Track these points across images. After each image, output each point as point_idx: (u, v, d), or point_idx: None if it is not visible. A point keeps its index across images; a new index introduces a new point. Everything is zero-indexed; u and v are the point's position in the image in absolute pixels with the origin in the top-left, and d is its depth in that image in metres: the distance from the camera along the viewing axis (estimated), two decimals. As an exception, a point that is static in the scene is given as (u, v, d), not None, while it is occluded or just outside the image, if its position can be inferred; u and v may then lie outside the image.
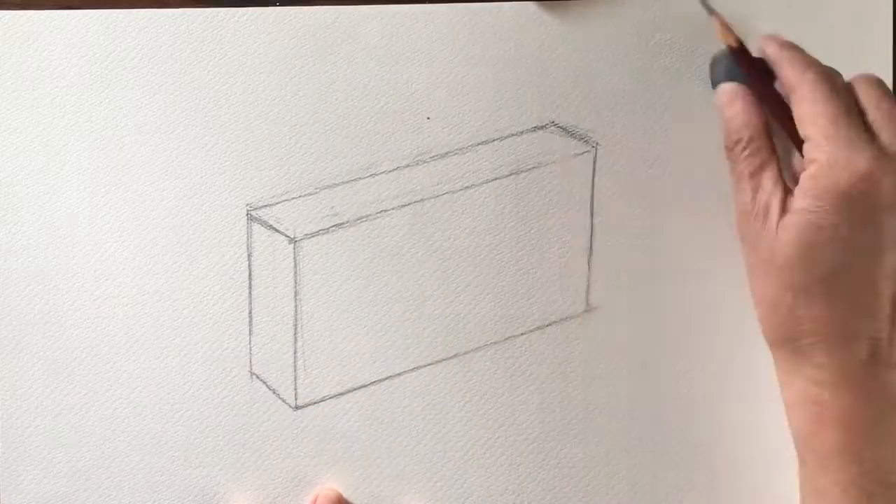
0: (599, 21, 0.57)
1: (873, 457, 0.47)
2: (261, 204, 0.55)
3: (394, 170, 0.56)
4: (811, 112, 0.49)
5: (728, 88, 0.53)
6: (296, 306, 0.55)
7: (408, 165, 0.56)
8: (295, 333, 0.55)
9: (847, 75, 0.56)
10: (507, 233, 0.56)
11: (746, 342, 0.57)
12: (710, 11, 0.55)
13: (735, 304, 0.57)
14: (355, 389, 0.56)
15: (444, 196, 0.56)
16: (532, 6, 0.56)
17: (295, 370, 0.55)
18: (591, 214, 0.57)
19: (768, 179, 0.50)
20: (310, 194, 0.55)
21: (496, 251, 0.56)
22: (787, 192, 0.50)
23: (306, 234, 0.55)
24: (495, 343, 0.56)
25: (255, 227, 0.55)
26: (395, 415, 0.56)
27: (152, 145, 0.55)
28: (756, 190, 0.50)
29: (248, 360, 0.56)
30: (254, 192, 0.55)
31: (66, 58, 0.55)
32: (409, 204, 0.55)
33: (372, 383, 0.56)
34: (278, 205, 0.55)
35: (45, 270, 0.55)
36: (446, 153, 0.56)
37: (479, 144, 0.56)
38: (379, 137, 0.56)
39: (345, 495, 0.56)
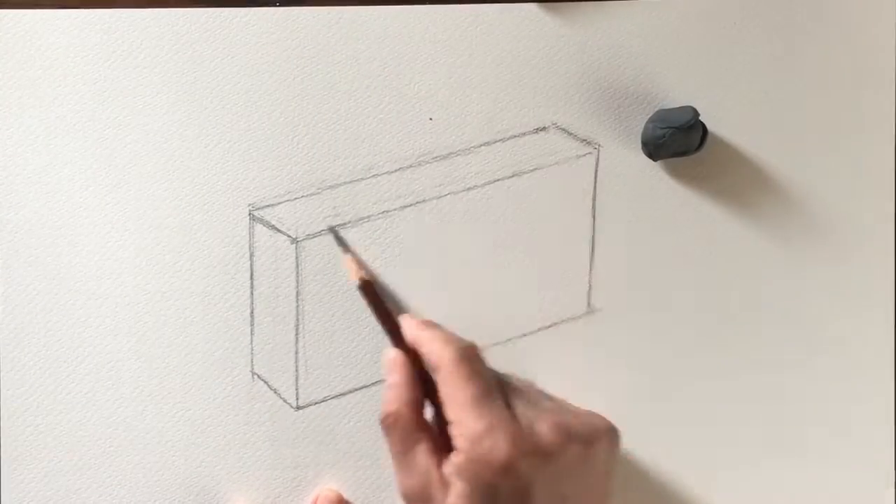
0: (601, 23, 0.57)
1: None
2: (263, 204, 0.55)
3: (395, 170, 0.56)
4: (452, 395, 0.47)
5: (389, 357, 0.51)
6: (297, 306, 0.55)
7: (409, 166, 0.56)
8: (296, 333, 0.55)
9: (849, 80, 0.56)
10: (509, 234, 0.56)
11: (747, 343, 0.58)
12: (345, 250, 0.54)
13: (736, 305, 0.58)
14: (356, 390, 0.56)
15: (446, 197, 0.56)
16: (534, 8, 0.56)
17: (296, 370, 0.56)
18: (593, 216, 0.57)
19: (421, 458, 0.48)
20: (312, 195, 0.55)
21: (498, 252, 0.56)
22: (442, 463, 0.47)
23: (308, 235, 0.55)
24: (497, 344, 0.56)
25: (257, 227, 0.55)
26: (397, 415, 0.56)
27: (154, 145, 0.55)
28: (411, 472, 0.48)
29: (250, 360, 0.56)
30: (256, 192, 0.55)
31: (66, 58, 0.55)
32: (410, 205, 0.55)
33: (373, 384, 0.56)
34: (280, 205, 0.55)
35: (48, 270, 0.55)
36: (448, 154, 0.56)
37: (480, 145, 0.56)
38: (381, 138, 0.56)
39: (345, 496, 0.56)
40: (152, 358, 0.55)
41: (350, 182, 0.56)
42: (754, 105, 0.57)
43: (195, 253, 0.55)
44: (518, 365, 0.56)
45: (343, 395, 0.56)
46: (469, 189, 0.56)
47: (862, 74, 0.58)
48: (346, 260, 0.54)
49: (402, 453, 0.48)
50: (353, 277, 0.54)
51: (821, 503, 0.58)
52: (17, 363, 0.55)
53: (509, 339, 0.57)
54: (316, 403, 0.56)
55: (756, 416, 0.58)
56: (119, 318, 0.55)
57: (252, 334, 0.56)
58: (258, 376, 0.56)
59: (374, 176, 0.56)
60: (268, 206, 0.55)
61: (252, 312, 0.55)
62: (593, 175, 0.57)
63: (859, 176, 0.58)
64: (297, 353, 0.55)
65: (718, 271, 0.57)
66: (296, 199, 0.55)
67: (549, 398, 0.50)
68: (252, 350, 0.56)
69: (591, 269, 0.57)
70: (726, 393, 0.58)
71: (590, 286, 0.57)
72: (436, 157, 0.56)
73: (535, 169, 0.56)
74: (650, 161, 0.56)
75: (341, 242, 0.55)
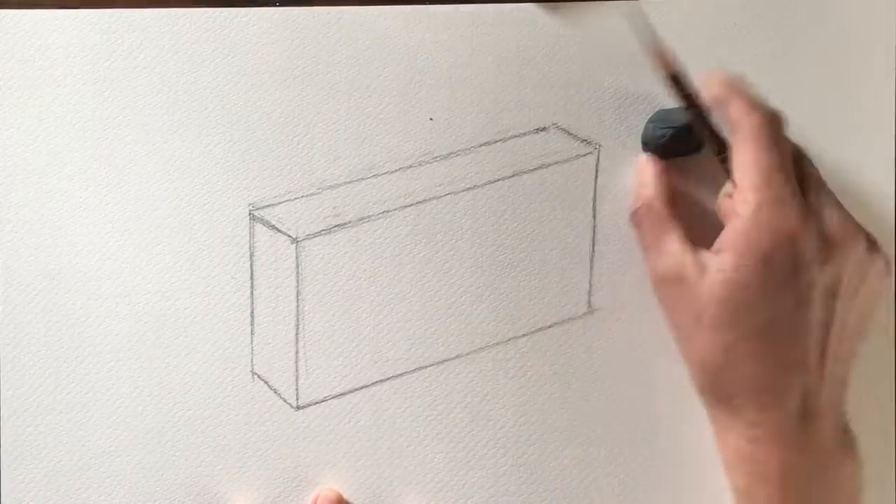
0: (601, 22, 0.57)
1: None
2: (263, 204, 0.55)
3: (396, 170, 0.56)
4: (746, 160, 0.48)
5: (642, 158, 0.54)
6: (297, 306, 0.55)
7: (410, 166, 0.56)
8: (297, 333, 0.55)
9: (853, 80, 0.56)
10: (509, 234, 0.56)
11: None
12: (650, 42, 0.53)
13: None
14: (357, 390, 0.56)
15: (447, 197, 0.56)
16: (534, 8, 0.56)
17: (296, 370, 0.56)
18: (594, 216, 0.57)
19: (673, 244, 0.50)
20: (312, 194, 0.55)
21: (498, 252, 0.56)
22: (696, 251, 0.49)
23: (308, 235, 0.55)
24: (497, 344, 0.56)
25: (258, 226, 0.55)
26: (397, 415, 0.56)
27: (154, 145, 0.55)
28: (663, 256, 0.50)
29: (250, 360, 0.56)
30: (256, 192, 0.55)
31: (66, 58, 0.55)
32: (411, 205, 0.55)
33: (373, 384, 0.56)
34: (280, 205, 0.55)
35: (47, 270, 0.55)
36: (448, 154, 0.56)
37: (481, 146, 0.56)
38: (381, 138, 0.56)
39: (345, 496, 0.56)
40: (152, 358, 0.55)
41: (350, 182, 0.56)
42: (754, 105, 0.57)
43: (195, 253, 0.55)
44: (518, 365, 0.56)
45: (343, 394, 0.56)
46: (469, 189, 0.56)
47: (862, 74, 0.58)
48: (653, 51, 0.53)
49: (655, 240, 0.51)
50: (664, 71, 0.52)
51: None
52: (17, 363, 0.55)
53: (509, 339, 0.57)
54: (316, 403, 0.56)
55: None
56: (119, 318, 0.55)
57: (252, 334, 0.56)
58: (258, 376, 0.56)
59: (374, 176, 0.56)
60: (268, 205, 0.55)
61: (252, 312, 0.55)
62: (593, 175, 0.57)
63: (859, 176, 0.58)
64: (297, 352, 0.55)
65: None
66: (296, 198, 0.55)
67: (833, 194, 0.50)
68: (252, 350, 0.56)
69: (591, 269, 0.57)
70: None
71: (590, 286, 0.57)
72: (436, 157, 0.56)
73: (536, 169, 0.56)
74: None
75: (643, 34, 0.53)
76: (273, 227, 0.55)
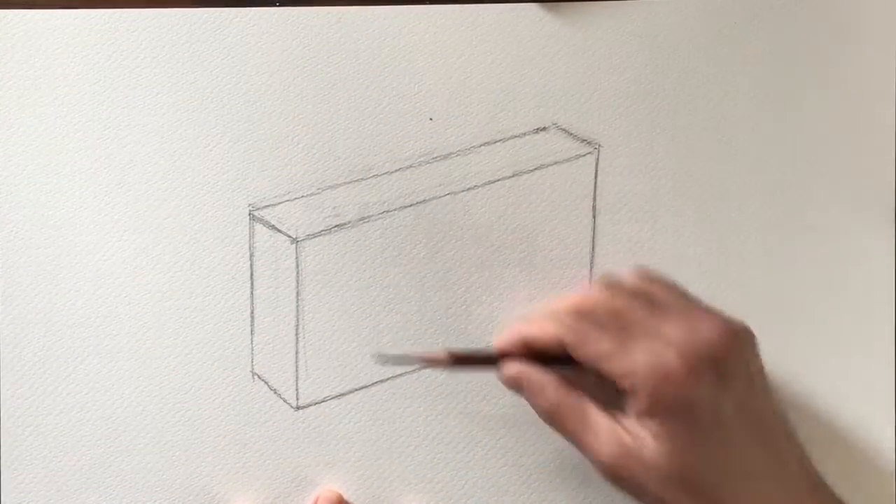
0: (601, 22, 0.57)
1: None
2: (263, 204, 0.55)
3: (396, 170, 0.56)
4: (595, 352, 0.48)
5: (510, 374, 0.51)
6: (297, 306, 0.55)
7: (410, 166, 0.56)
8: (296, 334, 0.55)
9: (853, 81, 0.56)
10: (509, 234, 0.56)
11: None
12: (410, 360, 0.54)
13: (737, 305, 0.57)
14: (357, 390, 0.56)
15: (446, 197, 0.56)
16: (534, 7, 0.56)
17: (296, 370, 0.56)
18: (593, 216, 0.57)
19: (598, 419, 0.48)
20: (312, 195, 0.55)
21: (498, 252, 0.56)
22: (616, 418, 0.48)
23: (308, 235, 0.55)
24: (497, 344, 0.56)
25: (258, 227, 0.55)
26: (396, 416, 0.56)
27: (154, 145, 0.55)
28: (600, 437, 0.48)
29: (250, 360, 0.56)
30: (256, 192, 0.55)
31: (67, 58, 0.55)
32: (411, 205, 0.55)
33: (373, 384, 0.56)
34: (280, 205, 0.55)
35: (48, 270, 0.55)
36: (448, 154, 0.56)
37: (481, 145, 0.56)
38: (381, 138, 0.56)
39: (345, 496, 0.56)
40: (152, 358, 0.55)
41: (350, 182, 0.56)
42: (754, 105, 0.57)
43: (195, 253, 0.55)
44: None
45: (343, 395, 0.56)
46: (469, 189, 0.56)
47: (862, 74, 0.58)
48: (423, 357, 0.53)
49: (583, 430, 0.48)
50: (443, 360, 0.52)
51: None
52: (17, 363, 0.55)
53: (509, 340, 0.57)
54: (316, 403, 0.56)
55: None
56: (119, 318, 0.55)
57: (252, 334, 0.56)
58: (258, 376, 0.56)
59: (374, 176, 0.56)
60: (268, 206, 0.55)
61: (252, 312, 0.55)
62: (593, 175, 0.57)
63: (859, 175, 0.58)
64: (297, 353, 0.55)
65: (718, 271, 0.57)
66: (296, 199, 0.55)
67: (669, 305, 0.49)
68: (252, 350, 0.56)
69: (591, 270, 0.57)
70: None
71: (590, 286, 0.57)
72: (436, 158, 0.56)
73: (536, 169, 0.56)
74: (650, 161, 0.56)
75: (402, 358, 0.54)
76: (273, 228, 0.55)
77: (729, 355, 0.47)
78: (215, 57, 0.55)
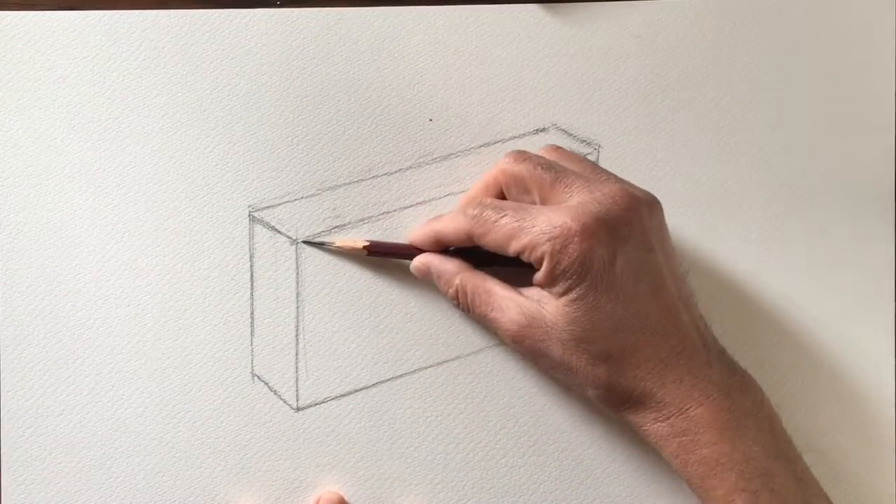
0: (601, 22, 0.57)
1: (740, 453, 0.48)
2: (263, 205, 0.55)
3: (395, 171, 0.56)
4: (502, 236, 0.50)
5: (416, 264, 0.54)
6: (297, 307, 0.55)
7: (409, 167, 0.56)
8: (296, 335, 0.55)
9: (853, 80, 0.56)
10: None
11: (747, 343, 0.58)
12: (331, 246, 0.55)
13: (738, 305, 0.57)
14: (357, 391, 0.56)
15: (446, 198, 0.56)
16: (534, 7, 0.56)
17: (296, 371, 0.56)
18: (593, 216, 0.57)
19: (504, 298, 0.51)
20: (312, 196, 0.55)
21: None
22: (519, 291, 0.51)
23: (308, 236, 0.55)
24: (497, 345, 0.56)
25: (257, 228, 0.55)
26: (397, 417, 0.56)
27: (154, 146, 0.55)
28: (504, 312, 0.51)
29: (250, 361, 0.56)
30: (256, 193, 0.55)
31: (67, 59, 0.55)
32: (410, 206, 0.55)
33: (373, 385, 0.56)
34: (280, 206, 0.55)
35: (48, 271, 0.55)
36: (448, 155, 0.56)
37: (481, 146, 0.56)
38: (381, 139, 0.56)
39: (346, 497, 0.56)
40: (152, 359, 0.55)
41: (350, 183, 0.56)
42: (754, 105, 0.57)
43: (195, 254, 0.55)
44: (518, 366, 0.56)
45: (343, 396, 0.56)
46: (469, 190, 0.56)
47: (862, 74, 0.58)
48: (340, 245, 0.55)
49: (490, 306, 0.51)
50: (359, 248, 0.54)
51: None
52: (17, 364, 0.55)
53: (509, 340, 0.57)
54: (316, 405, 0.56)
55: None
56: (119, 319, 0.55)
57: (252, 335, 0.56)
58: (258, 377, 0.56)
59: (374, 177, 0.56)
60: (268, 207, 0.55)
61: (252, 313, 0.55)
62: (593, 176, 0.57)
63: (859, 175, 0.58)
64: (297, 354, 0.55)
65: (718, 271, 0.57)
66: (296, 200, 0.55)
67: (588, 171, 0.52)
68: (252, 351, 0.56)
69: (591, 270, 0.57)
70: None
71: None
72: (436, 158, 0.56)
73: (536, 170, 0.56)
74: (650, 161, 0.56)
75: (322, 245, 0.55)
76: (273, 229, 0.55)
77: (624, 216, 0.49)
78: (215, 58, 0.55)
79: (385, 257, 0.55)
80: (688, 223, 0.57)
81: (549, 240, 0.48)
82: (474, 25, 0.56)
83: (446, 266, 0.53)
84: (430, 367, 0.56)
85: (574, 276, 0.48)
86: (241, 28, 0.55)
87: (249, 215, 0.55)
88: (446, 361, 0.56)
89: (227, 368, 0.56)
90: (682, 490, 0.57)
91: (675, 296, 0.50)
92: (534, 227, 0.49)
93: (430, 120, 0.56)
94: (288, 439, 0.56)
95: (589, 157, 0.57)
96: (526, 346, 0.50)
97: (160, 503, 0.56)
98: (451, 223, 0.52)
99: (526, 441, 0.56)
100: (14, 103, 0.55)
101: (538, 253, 0.48)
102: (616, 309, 0.48)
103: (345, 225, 0.55)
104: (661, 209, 0.51)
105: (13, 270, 0.55)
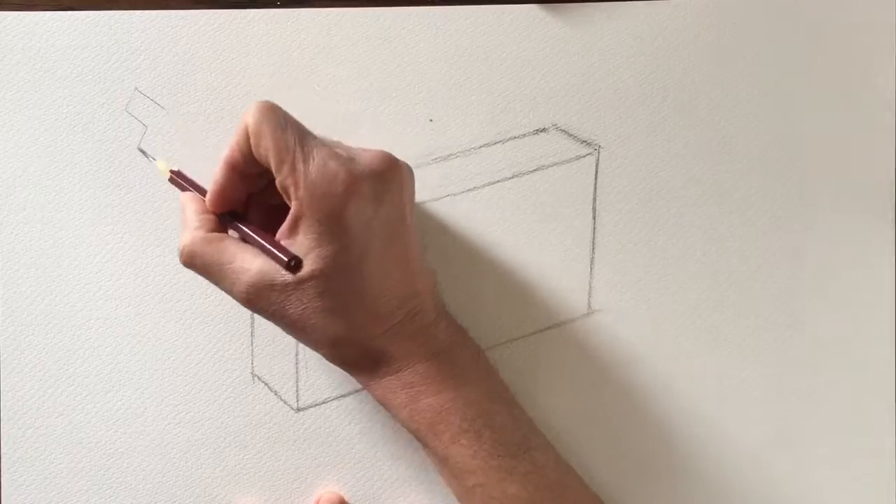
0: (602, 24, 0.57)
1: (463, 399, 0.50)
2: (263, 206, 0.55)
3: (395, 172, 0.56)
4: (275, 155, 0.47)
5: (181, 199, 0.51)
6: (297, 308, 0.55)
7: (410, 167, 0.56)
8: (296, 335, 0.55)
9: (849, 80, 0.56)
10: (509, 235, 0.56)
11: (747, 343, 0.58)
12: (152, 159, 0.54)
13: (738, 305, 0.58)
14: (357, 391, 0.56)
15: (446, 198, 0.56)
16: (534, 8, 0.56)
17: (297, 372, 0.56)
18: (593, 216, 0.57)
19: (235, 249, 0.48)
20: (312, 196, 0.55)
21: (498, 253, 0.56)
22: (256, 253, 0.48)
23: (308, 236, 0.55)
24: (497, 346, 0.56)
25: (257, 228, 0.55)
26: (397, 417, 0.56)
27: (154, 146, 0.55)
28: (240, 274, 0.48)
29: (250, 362, 0.56)
30: (255, 193, 0.55)
31: (67, 59, 0.55)
32: (411, 206, 0.55)
33: (374, 385, 0.56)
34: (280, 206, 0.55)
35: (48, 271, 0.55)
36: (448, 155, 0.56)
37: (481, 147, 0.56)
38: (381, 139, 0.56)
39: (346, 497, 0.56)
40: (152, 359, 0.55)
41: (350, 183, 0.56)
42: (754, 105, 0.57)
43: (195, 254, 0.55)
44: (518, 366, 0.56)
45: (343, 396, 0.56)
46: (469, 190, 0.56)
47: (862, 74, 0.58)
48: (159, 165, 0.53)
49: (220, 266, 0.48)
50: (164, 173, 0.52)
51: (822, 502, 0.58)
52: (18, 364, 0.55)
53: (509, 341, 0.57)
54: (316, 405, 0.56)
55: (756, 416, 0.58)
56: (119, 320, 0.55)
57: (252, 336, 0.56)
58: (258, 378, 0.56)
59: (374, 177, 0.56)
60: (268, 207, 0.55)
61: (252, 314, 0.55)
62: (593, 176, 0.57)
63: (859, 175, 0.58)
64: (297, 354, 0.55)
65: (718, 271, 0.57)
66: (296, 200, 0.55)
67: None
68: (252, 352, 0.56)
69: (591, 270, 0.57)
70: (726, 393, 0.58)
71: (590, 287, 0.57)
72: (436, 159, 0.56)
73: (536, 170, 0.56)
74: (650, 161, 0.56)
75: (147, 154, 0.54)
76: (273, 229, 0.55)
77: (388, 176, 0.48)
78: (215, 58, 0.55)
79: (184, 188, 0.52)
80: (688, 223, 0.57)
81: (311, 182, 0.46)
82: (474, 25, 0.56)
83: (192, 219, 0.50)
84: (431, 367, 0.56)
85: (323, 228, 0.47)
86: (241, 28, 0.55)
87: (249, 216, 0.55)
88: (446, 362, 0.56)
89: (227, 368, 0.56)
90: (685, 489, 0.57)
91: (418, 263, 0.50)
92: (305, 163, 0.47)
93: (431, 120, 0.56)
94: (288, 439, 0.56)
95: (589, 158, 0.57)
96: (259, 307, 0.48)
97: (160, 503, 0.56)
98: (236, 139, 0.48)
99: (526, 441, 0.56)
100: (14, 102, 0.55)
101: (297, 192, 0.46)
102: (365, 269, 0.48)
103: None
104: (414, 178, 0.51)
105: (13, 269, 0.55)
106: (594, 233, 0.57)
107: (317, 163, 0.47)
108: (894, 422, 0.58)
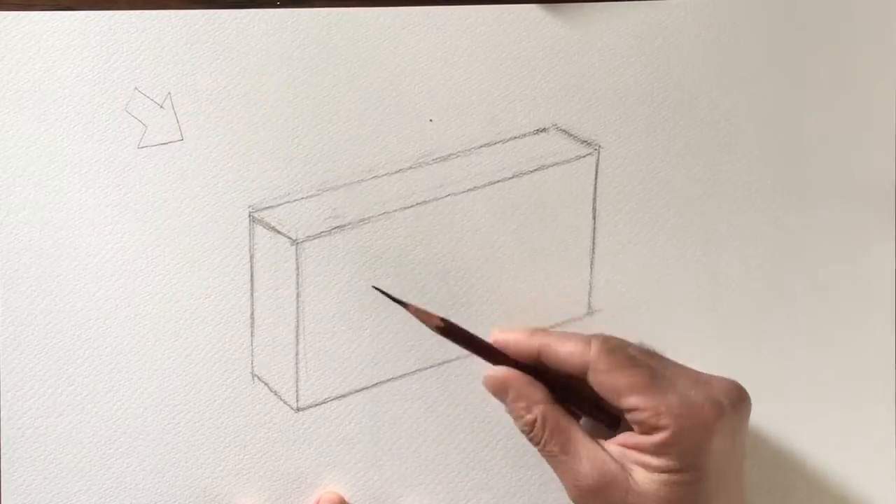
0: (602, 24, 0.57)
1: None
2: (263, 206, 0.55)
3: (396, 172, 0.56)
4: (617, 385, 0.47)
5: (497, 377, 0.50)
6: (297, 308, 0.55)
7: (410, 167, 0.56)
8: (296, 335, 0.55)
9: (849, 80, 0.56)
10: (509, 235, 0.56)
11: (747, 343, 0.58)
12: (405, 305, 0.52)
13: (738, 305, 0.57)
14: (357, 391, 0.56)
15: (446, 198, 0.56)
16: (534, 8, 0.56)
17: (296, 372, 0.56)
18: (593, 216, 0.57)
19: (586, 445, 0.48)
20: (312, 196, 0.55)
21: (498, 254, 0.56)
22: (606, 449, 0.48)
23: (308, 236, 0.55)
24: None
25: (258, 228, 0.55)
26: (397, 417, 0.56)
27: (153, 146, 0.55)
28: (583, 461, 0.48)
29: (250, 362, 0.56)
30: (256, 193, 0.55)
31: (66, 59, 0.55)
32: (410, 206, 0.55)
33: (373, 385, 0.56)
34: (280, 206, 0.55)
35: (48, 271, 0.55)
36: (448, 155, 0.56)
37: (481, 147, 0.56)
38: (381, 139, 0.56)
39: (346, 497, 0.56)
40: (152, 359, 0.55)
41: (350, 183, 0.56)
42: (754, 105, 0.57)
43: (195, 254, 0.55)
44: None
45: (343, 396, 0.56)
46: (469, 190, 0.56)
47: (862, 73, 0.58)
48: (413, 311, 0.52)
49: (565, 450, 0.48)
50: (432, 324, 0.51)
51: (822, 501, 0.58)
52: (17, 364, 0.55)
53: (510, 341, 0.57)
54: (316, 405, 0.56)
55: (756, 416, 0.58)
56: (119, 320, 0.55)
57: (252, 335, 0.56)
58: (258, 378, 0.56)
59: (374, 177, 0.56)
60: (268, 207, 0.55)
61: (252, 314, 0.55)
62: (593, 176, 0.57)
63: (859, 174, 0.58)
64: (297, 354, 0.55)
65: (718, 271, 0.57)
66: (296, 200, 0.55)
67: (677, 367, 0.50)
68: (252, 351, 0.56)
69: (591, 270, 0.57)
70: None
71: (590, 287, 0.57)
72: (436, 159, 0.56)
73: (536, 170, 0.56)
74: (650, 161, 0.56)
75: (396, 300, 0.53)
76: (273, 229, 0.55)
77: (744, 412, 0.48)
78: (215, 58, 0.55)
79: (456, 342, 0.51)
80: (688, 223, 0.57)
81: (682, 413, 0.46)
82: (474, 25, 0.56)
83: (530, 391, 0.49)
84: (431, 367, 0.56)
85: (688, 461, 0.46)
86: (241, 28, 0.55)
87: (249, 215, 0.55)
88: (446, 362, 0.56)
89: (227, 368, 0.56)
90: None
91: (743, 492, 0.49)
92: (667, 393, 0.46)
93: (431, 120, 0.56)
94: (288, 439, 0.56)
95: (589, 158, 0.57)
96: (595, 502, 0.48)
97: (160, 503, 0.56)
98: (567, 344, 0.49)
99: (526, 442, 0.56)
100: (14, 102, 0.55)
101: (661, 421, 0.46)
102: (707, 500, 0.46)
103: (345, 226, 0.55)
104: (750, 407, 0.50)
105: (13, 269, 0.55)
106: (594, 233, 0.57)
107: (687, 390, 0.47)
108: (894, 422, 0.58)
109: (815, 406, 0.58)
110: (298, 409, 0.56)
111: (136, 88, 0.55)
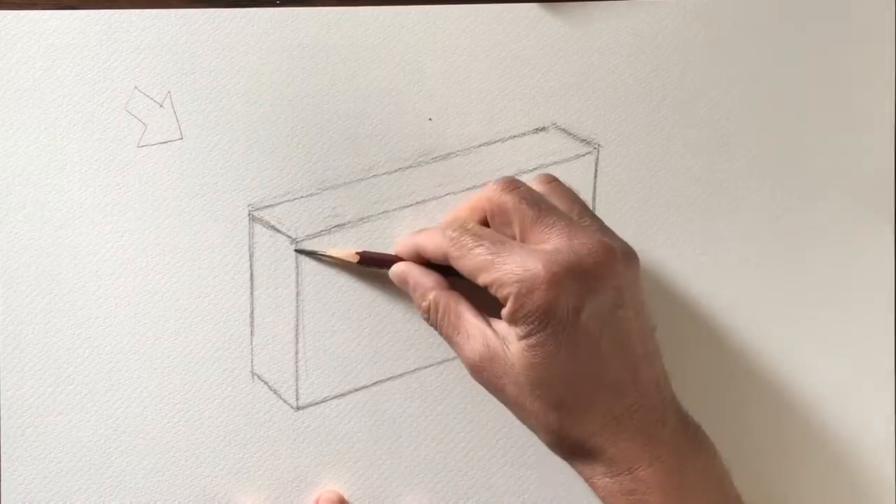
0: (601, 23, 0.57)
1: None
2: (263, 204, 0.55)
3: (395, 171, 0.56)
4: (473, 268, 0.49)
5: (396, 271, 0.54)
6: (297, 307, 0.55)
7: (409, 167, 0.56)
8: (296, 334, 0.55)
9: (849, 80, 0.56)
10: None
11: (747, 343, 0.58)
12: (321, 256, 0.55)
13: (738, 305, 0.58)
14: (357, 390, 0.56)
15: (446, 197, 0.56)
16: (534, 7, 0.56)
17: (296, 371, 0.56)
18: (593, 216, 0.57)
19: (471, 321, 0.50)
20: (311, 195, 0.55)
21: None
22: (491, 322, 0.50)
23: (308, 235, 0.55)
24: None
25: (257, 227, 0.55)
26: (397, 416, 0.56)
27: (153, 146, 0.55)
28: (470, 340, 0.50)
29: (250, 361, 0.56)
30: (256, 192, 0.55)
31: (67, 58, 0.55)
32: (410, 205, 0.55)
33: (373, 384, 0.56)
34: (280, 205, 0.55)
35: (48, 270, 0.55)
36: (448, 154, 0.56)
37: (480, 146, 0.56)
38: (380, 138, 0.56)
39: (346, 496, 0.56)
40: (152, 358, 0.55)
41: (350, 182, 0.56)
42: (754, 104, 0.57)
43: (195, 253, 0.55)
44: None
45: (343, 395, 0.56)
46: (469, 189, 0.56)
47: (862, 73, 0.58)
48: (333, 255, 0.55)
49: (457, 330, 0.51)
50: (352, 259, 0.55)
51: (822, 501, 0.58)
52: (17, 363, 0.55)
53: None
54: (316, 404, 0.56)
55: (756, 416, 0.58)
56: (119, 319, 0.55)
57: (252, 334, 0.56)
58: (258, 377, 0.56)
59: (373, 176, 0.56)
60: (268, 206, 0.55)
61: (252, 312, 0.55)
62: (593, 175, 0.57)
63: (859, 175, 0.58)
64: (296, 353, 0.55)
65: (718, 271, 0.57)
66: (296, 199, 0.55)
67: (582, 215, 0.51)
68: (252, 350, 0.56)
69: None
70: (726, 393, 0.58)
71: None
72: (436, 158, 0.56)
73: (535, 169, 0.56)
74: (650, 161, 0.56)
75: (315, 254, 0.55)
76: (273, 228, 0.55)
77: (597, 269, 0.48)
78: (215, 57, 0.55)
79: (375, 267, 0.55)
80: (688, 223, 0.57)
81: (516, 281, 0.47)
82: (474, 24, 0.56)
83: (423, 280, 0.53)
84: (431, 366, 0.56)
85: (535, 323, 0.47)
86: (241, 28, 0.55)
87: (249, 215, 0.55)
88: (447, 360, 0.56)
89: (226, 368, 0.56)
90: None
91: (638, 353, 0.49)
92: (505, 264, 0.48)
93: (430, 119, 0.56)
94: (288, 439, 0.56)
95: (589, 157, 0.57)
96: (483, 378, 0.50)
97: (160, 502, 0.55)
98: (431, 239, 0.52)
99: (526, 440, 0.56)
100: (14, 102, 0.55)
101: (504, 292, 0.48)
102: (574, 361, 0.47)
103: (344, 224, 0.55)
104: (637, 263, 0.50)
105: (13, 269, 0.55)
106: (594, 231, 0.57)
107: (523, 258, 0.48)
108: (894, 422, 0.58)
109: (815, 406, 0.58)
110: (298, 408, 0.56)
111: (135, 87, 0.55)
